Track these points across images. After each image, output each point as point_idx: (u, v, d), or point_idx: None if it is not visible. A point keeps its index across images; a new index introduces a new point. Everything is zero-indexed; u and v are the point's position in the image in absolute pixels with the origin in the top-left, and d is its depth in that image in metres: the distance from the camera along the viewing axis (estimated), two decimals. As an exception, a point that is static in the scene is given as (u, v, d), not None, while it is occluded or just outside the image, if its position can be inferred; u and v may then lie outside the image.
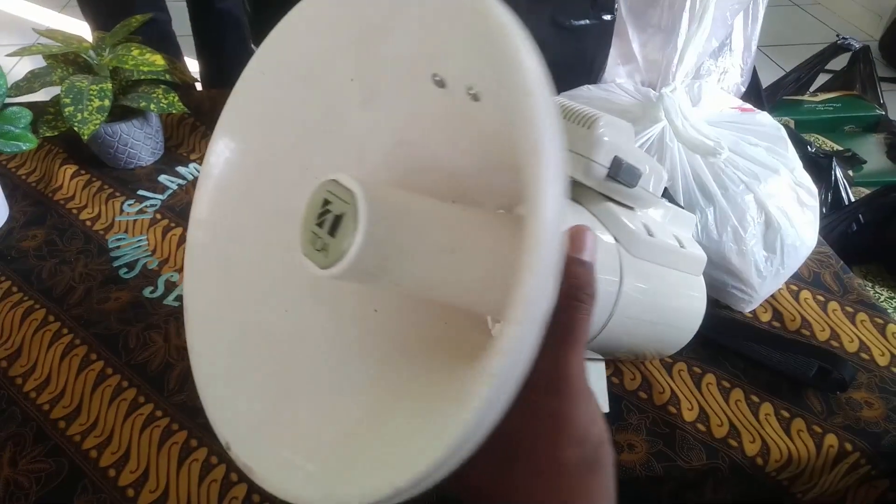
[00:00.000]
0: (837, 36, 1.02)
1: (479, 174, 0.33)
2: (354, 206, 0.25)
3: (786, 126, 0.99)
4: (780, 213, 0.54)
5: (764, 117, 0.61)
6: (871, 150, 0.96)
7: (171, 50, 1.29)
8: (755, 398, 0.50)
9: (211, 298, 0.34)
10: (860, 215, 0.76)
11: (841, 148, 0.96)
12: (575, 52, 0.69)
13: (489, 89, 0.26)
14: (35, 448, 0.46)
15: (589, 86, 0.67)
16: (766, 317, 0.57)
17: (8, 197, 0.69)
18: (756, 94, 0.92)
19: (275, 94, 0.34)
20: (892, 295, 0.76)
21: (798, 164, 0.57)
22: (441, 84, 0.28)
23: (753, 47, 0.81)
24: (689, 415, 0.49)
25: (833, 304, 0.57)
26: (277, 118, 0.34)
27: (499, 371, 0.20)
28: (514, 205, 0.34)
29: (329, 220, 0.26)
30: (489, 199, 0.34)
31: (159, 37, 1.27)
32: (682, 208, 0.46)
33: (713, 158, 0.53)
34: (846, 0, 2.40)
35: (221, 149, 0.35)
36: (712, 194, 0.54)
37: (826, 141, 0.98)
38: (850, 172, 0.89)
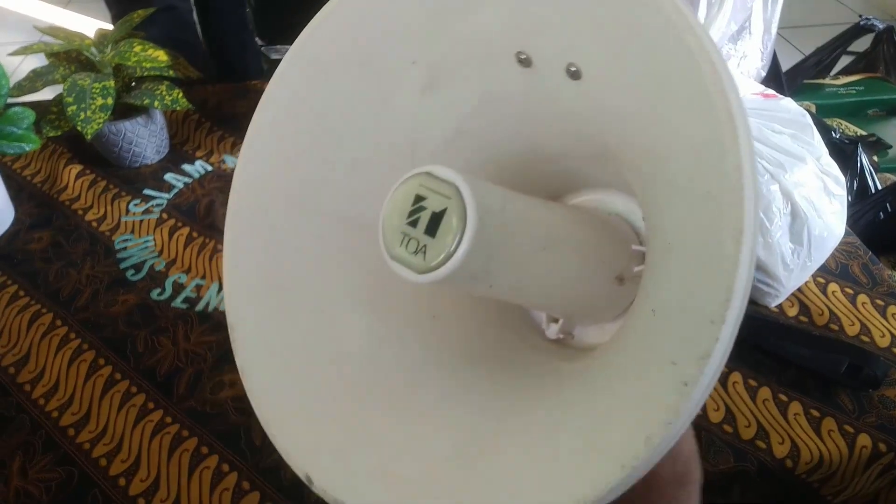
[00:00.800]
0: (860, 17, 0.99)
1: (557, 160, 0.31)
2: (459, 201, 0.23)
3: (807, 111, 0.97)
4: (806, 204, 0.52)
5: (788, 103, 0.58)
6: (894, 136, 0.93)
7: (189, 39, 1.28)
8: (783, 397, 0.48)
9: (263, 325, 0.32)
10: (887, 203, 0.73)
11: (865, 133, 0.93)
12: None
13: (598, 66, 0.24)
14: (44, 457, 0.45)
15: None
16: (792, 311, 0.55)
17: (13, 198, 0.68)
18: (776, 78, 0.89)
19: (318, 81, 0.31)
20: (921, 284, 0.74)
21: (824, 151, 0.55)
22: (527, 62, 0.26)
23: (774, 30, 0.78)
24: (714, 416, 0.47)
25: (862, 297, 0.55)
26: (322, 109, 0.31)
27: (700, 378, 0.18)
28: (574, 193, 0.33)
29: (425, 218, 0.23)
30: (550, 187, 0.33)
31: (178, 25, 1.25)
32: None
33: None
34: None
35: (259, 147, 0.32)
36: (736, 185, 0.52)
37: (849, 126, 0.94)
38: (876, 158, 0.86)
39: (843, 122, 0.95)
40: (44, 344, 0.53)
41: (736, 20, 0.71)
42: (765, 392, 0.48)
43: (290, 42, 0.62)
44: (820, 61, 1.01)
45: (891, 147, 0.91)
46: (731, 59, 0.75)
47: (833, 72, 1.05)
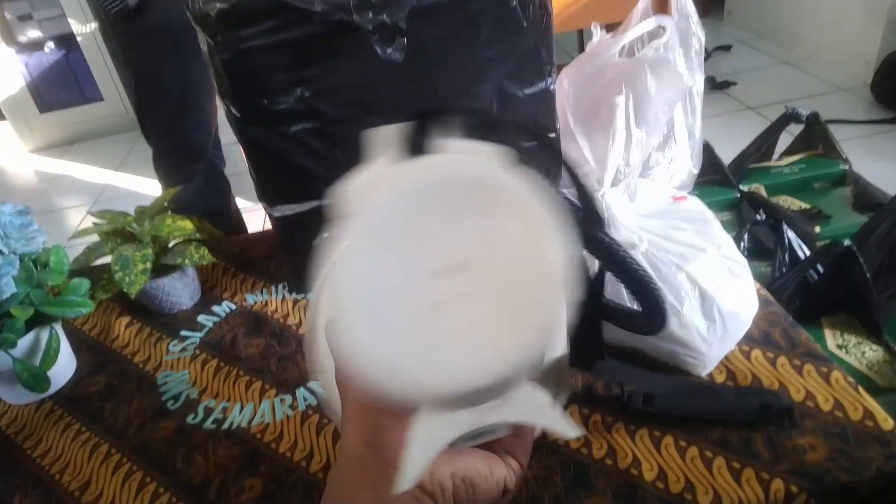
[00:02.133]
0: (785, 107, 1.12)
1: None
2: None
3: (756, 193, 1.08)
4: (712, 285, 0.62)
5: (692, 203, 0.70)
6: (838, 205, 1.03)
7: (224, 190, 1.50)
8: (709, 453, 0.56)
9: None
10: (818, 267, 0.82)
11: (809, 206, 1.03)
12: (531, 168, 0.81)
13: None
14: (103, 562, 0.56)
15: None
16: (721, 377, 0.63)
17: (75, 350, 0.83)
18: (718, 169, 1.00)
19: None
20: (860, 341, 0.81)
21: (726, 240, 0.66)
22: None
23: (697, 134, 0.91)
24: (649, 475, 0.55)
25: (781, 359, 0.64)
26: None
27: None
28: None
29: None
30: None
31: (216, 176, 1.48)
32: None
33: (636, 251, 0.62)
34: (835, 52, 2.50)
35: None
36: (649, 277, 0.62)
37: (795, 201, 1.05)
38: (818, 229, 0.95)
39: (790, 199, 1.06)
40: (102, 469, 0.65)
41: (654, 135, 0.84)
42: (693, 451, 0.57)
43: (286, 203, 0.77)
44: (759, 148, 1.13)
45: (830, 217, 1.01)
46: (660, 165, 0.88)
47: (776, 155, 1.17)
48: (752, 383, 0.62)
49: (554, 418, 0.30)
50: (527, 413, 0.30)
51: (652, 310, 0.41)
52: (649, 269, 0.63)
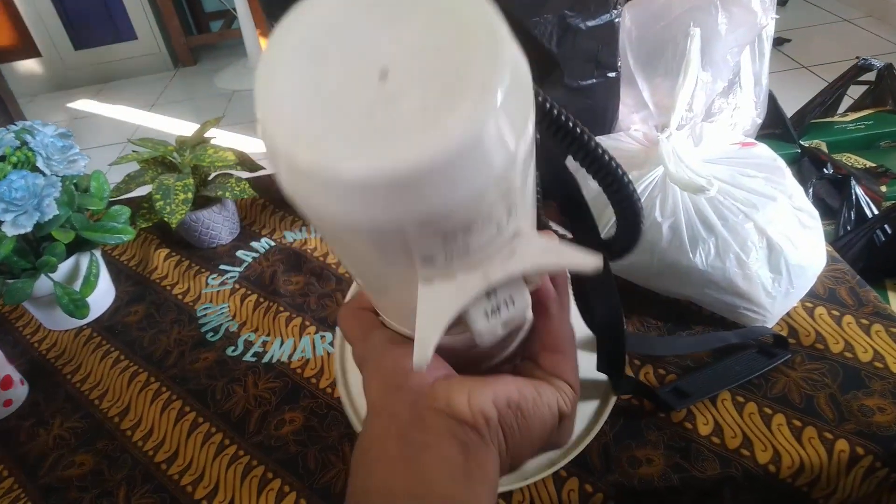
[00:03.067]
0: (857, 58, 1.05)
1: None
2: None
3: (817, 148, 1.02)
4: (781, 237, 0.58)
5: (762, 150, 0.65)
6: (906, 165, 0.97)
7: None
8: (768, 410, 0.53)
9: None
10: (886, 226, 0.77)
11: (874, 164, 0.97)
12: (586, 108, 0.77)
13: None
14: (143, 486, 0.56)
15: (601, 136, 0.74)
16: (781, 333, 0.60)
17: (114, 280, 0.82)
18: (780, 122, 0.95)
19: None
20: (927, 305, 0.77)
21: (798, 190, 0.62)
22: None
23: (764, 82, 0.86)
24: (704, 429, 0.53)
25: (848, 318, 0.60)
26: None
27: None
28: None
29: None
30: None
31: None
32: None
33: (703, 195, 0.58)
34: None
35: None
36: (713, 225, 0.59)
37: (858, 159, 0.99)
38: (884, 188, 0.90)
39: (853, 156, 1.00)
40: (141, 397, 0.65)
41: (721, 78, 0.79)
42: (751, 406, 0.54)
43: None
44: (824, 101, 1.07)
45: (897, 176, 0.95)
46: (723, 112, 0.83)
47: (840, 110, 1.10)
48: (815, 341, 0.59)
49: (564, 253, 0.27)
50: (535, 259, 0.27)
51: (630, 225, 0.37)
52: (714, 218, 0.59)
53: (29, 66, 3.44)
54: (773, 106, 0.90)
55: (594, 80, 0.75)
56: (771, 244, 0.58)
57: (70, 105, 3.33)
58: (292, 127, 0.22)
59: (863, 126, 1.04)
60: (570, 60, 0.73)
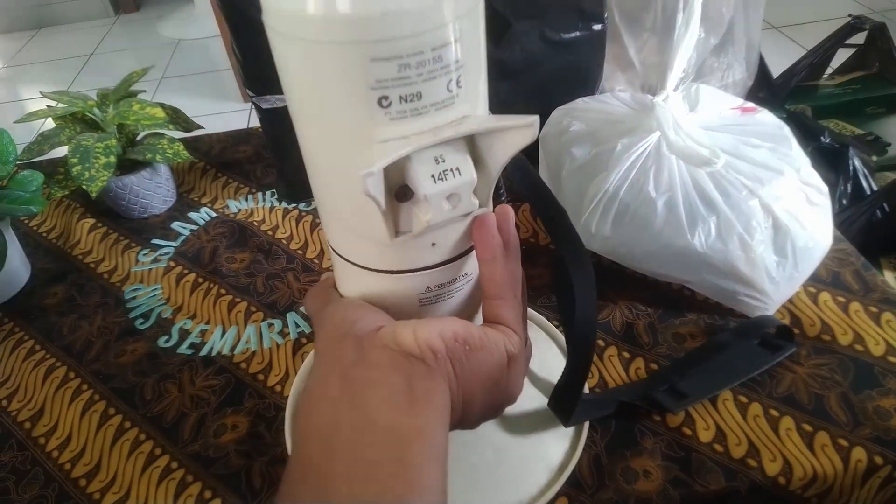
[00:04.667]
0: (850, 16, 0.98)
1: None
2: None
3: (802, 113, 0.96)
4: (788, 216, 0.52)
5: (766, 116, 0.59)
6: (893, 133, 0.92)
7: None
8: (774, 412, 0.48)
9: None
10: (884, 204, 0.72)
11: (863, 132, 0.92)
12: (569, 65, 0.68)
13: None
14: (57, 508, 0.48)
15: (585, 98, 0.66)
16: (784, 322, 0.55)
17: (29, 255, 0.72)
18: (767, 83, 0.89)
19: None
20: (924, 284, 0.73)
21: (805, 162, 0.55)
22: None
23: (757, 40, 0.78)
24: (704, 435, 0.47)
25: (855, 305, 0.55)
26: None
27: None
28: None
29: None
30: None
31: None
32: None
33: (709, 168, 0.51)
34: (868, -30, 2.32)
35: None
36: (714, 202, 0.52)
37: (847, 126, 0.94)
38: (875, 157, 0.85)
39: (841, 123, 0.95)
40: (58, 397, 0.56)
41: (714, 34, 0.72)
42: (755, 408, 0.48)
43: (279, 92, 0.65)
44: (812, 63, 1.01)
45: (889, 145, 0.90)
46: (714, 73, 0.76)
47: (827, 72, 1.05)
48: (821, 332, 0.53)
49: (507, 119, 0.30)
50: (482, 123, 0.30)
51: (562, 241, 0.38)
52: (715, 193, 0.53)
53: (-51, 7, 3.16)
54: (760, 67, 0.84)
55: (577, 34, 0.67)
56: (777, 224, 0.52)
57: (1, 52, 3.07)
58: None
59: (850, 91, 0.99)
60: (551, 9, 0.64)
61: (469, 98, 0.30)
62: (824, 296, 0.56)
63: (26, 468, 0.51)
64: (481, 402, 0.34)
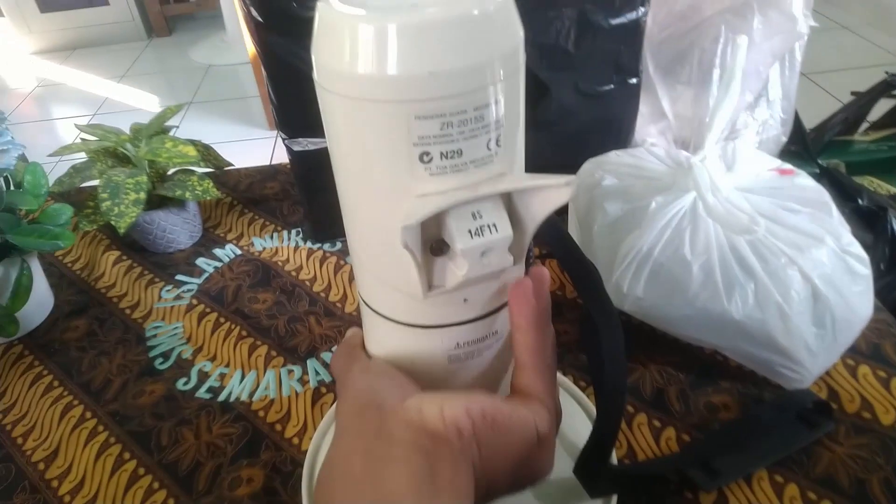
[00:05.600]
0: (886, 73, 0.97)
1: None
2: None
3: (836, 169, 0.95)
4: (827, 286, 0.50)
5: (805, 180, 0.57)
6: (933, 192, 0.90)
7: None
8: (812, 495, 0.46)
9: None
10: (924, 270, 0.70)
11: (900, 191, 0.90)
12: (602, 117, 0.68)
13: None
14: (67, 557, 0.46)
15: (617, 151, 0.65)
16: (821, 396, 0.53)
17: (53, 286, 0.72)
18: (800, 139, 0.88)
19: None
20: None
21: (845, 229, 0.54)
22: None
23: (793, 96, 0.78)
24: (738, 514, 0.45)
25: (897, 381, 0.53)
26: None
27: None
28: None
29: None
30: None
31: None
32: None
33: (749, 236, 0.50)
34: (899, 19, 2.31)
35: None
36: (752, 268, 0.51)
37: (882, 184, 0.92)
38: (912, 217, 0.83)
39: (875, 180, 0.93)
40: (73, 437, 0.55)
41: (751, 90, 0.71)
42: (792, 489, 0.46)
43: (310, 136, 0.65)
44: (846, 119, 0.99)
45: (928, 207, 0.88)
46: (749, 128, 0.75)
47: (861, 128, 1.03)
48: (861, 408, 0.51)
49: (543, 178, 0.30)
50: (520, 182, 0.30)
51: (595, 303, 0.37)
52: (753, 260, 0.51)
53: (-10, 27, 3.25)
54: (794, 121, 0.83)
55: (612, 87, 0.66)
56: (816, 293, 0.50)
57: (34, 72, 3.14)
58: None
59: (885, 147, 0.97)
60: (587, 63, 0.64)
61: (507, 156, 0.30)
62: (863, 369, 0.54)
63: (38, 513, 0.50)
64: (507, 481, 0.33)
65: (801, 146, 0.89)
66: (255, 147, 2.28)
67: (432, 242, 0.31)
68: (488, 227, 0.30)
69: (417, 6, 0.27)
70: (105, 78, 2.98)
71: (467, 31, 0.26)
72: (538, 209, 0.31)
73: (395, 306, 0.35)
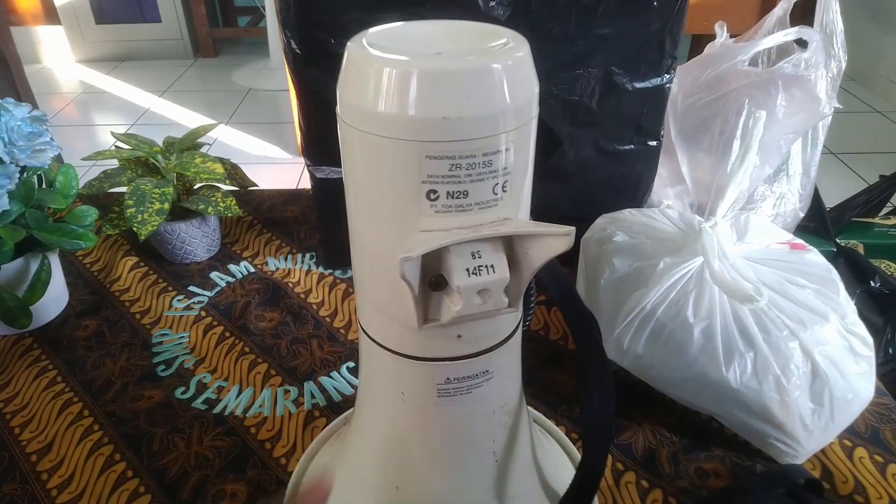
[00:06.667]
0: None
1: None
2: None
3: (854, 250, 0.94)
4: (828, 363, 0.50)
5: (814, 256, 0.58)
6: (950, 282, 0.89)
7: None
8: (796, 573, 0.45)
9: None
10: (932, 359, 0.69)
11: (915, 278, 0.90)
12: (620, 175, 0.69)
13: None
14: (45, 552, 0.47)
15: (631, 210, 0.66)
16: (814, 474, 0.52)
17: (70, 285, 0.73)
18: (820, 216, 0.88)
19: None
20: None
21: (851, 310, 0.54)
22: None
23: (813, 172, 0.78)
24: (718, 586, 0.44)
25: (894, 468, 0.52)
26: None
27: None
28: None
29: None
30: None
31: None
32: None
33: (751, 306, 0.50)
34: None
35: None
36: (753, 338, 0.51)
37: (899, 269, 0.92)
38: (925, 305, 0.83)
39: (893, 265, 0.92)
40: (68, 433, 0.56)
41: (771, 164, 0.72)
42: (775, 565, 0.45)
43: (333, 164, 0.67)
44: (869, 200, 0.99)
45: (943, 295, 0.87)
46: (766, 200, 0.75)
47: (882, 212, 1.03)
48: (854, 491, 0.50)
49: (545, 226, 0.31)
50: (522, 227, 0.31)
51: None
52: (755, 329, 0.51)
53: (47, 32, 3.38)
54: (813, 198, 0.83)
55: (632, 147, 0.67)
56: (816, 370, 0.50)
57: (82, 79, 3.26)
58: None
59: (904, 232, 0.97)
60: (608, 122, 0.65)
61: (512, 202, 0.31)
62: (860, 452, 0.53)
63: (23, 504, 0.50)
64: None
65: (819, 223, 0.89)
66: (284, 172, 2.33)
67: (431, 277, 0.32)
68: (486, 267, 0.31)
69: (441, 55, 0.28)
70: (147, 91, 3.08)
71: (483, 82, 0.27)
72: (537, 255, 0.32)
73: (390, 335, 0.35)
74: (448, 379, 0.36)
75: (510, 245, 0.32)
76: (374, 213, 0.32)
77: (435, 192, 0.29)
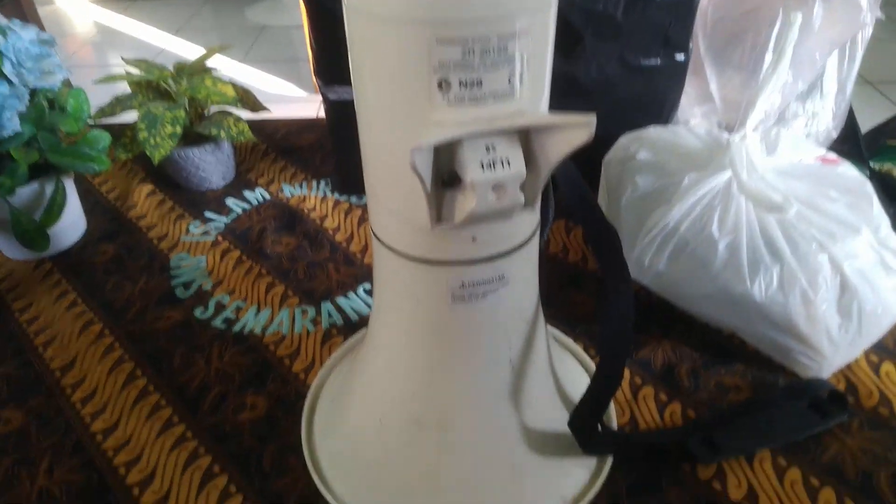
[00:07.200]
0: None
1: None
2: None
3: (888, 174, 0.91)
4: (858, 277, 0.49)
5: (848, 169, 0.55)
6: None
7: None
8: (815, 481, 0.44)
9: None
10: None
11: (951, 202, 0.86)
12: (645, 92, 0.66)
13: None
14: (72, 459, 0.48)
15: (656, 126, 0.64)
16: (840, 389, 0.51)
17: (88, 212, 0.73)
18: (853, 137, 0.85)
19: None
20: None
21: (885, 222, 0.52)
22: None
23: (849, 90, 0.75)
24: (735, 493, 0.44)
25: (920, 382, 0.51)
26: None
27: None
28: None
29: None
30: None
31: None
32: None
33: (779, 215, 0.48)
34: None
35: None
36: (780, 251, 0.49)
37: (934, 193, 0.88)
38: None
39: (928, 190, 0.89)
40: (90, 351, 0.57)
41: (804, 79, 0.68)
42: (794, 473, 0.45)
43: (345, 83, 0.65)
44: (905, 123, 0.95)
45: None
46: (798, 119, 0.72)
47: (920, 135, 0.99)
48: (878, 404, 0.49)
49: (563, 116, 0.29)
50: (538, 118, 0.30)
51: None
52: (782, 243, 0.50)
53: (58, -28, 3.33)
54: (848, 119, 0.80)
55: (658, 61, 0.64)
56: (845, 283, 0.49)
57: (96, 19, 3.21)
58: None
59: (942, 156, 0.93)
60: (634, 33, 0.62)
61: (529, 96, 0.29)
62: (887, 366, 0.52)
63: (50, 416, 0.51)
64: None
65: (853, 145, 0.85)
66: (300, 109, 2.30)
67: (444, 174, 0.31)
68: (501, 161, 0.29)
69: None
70: (162, 30, 3.04)
71: None
72: (555, 150, 0.31)
73: (402, 238, 0.35)
74: (463, 283, 0.35)
75: (527, 141, 0.31)
76: (383, 107, 0.30)
77: (447, 80, 0.28)
